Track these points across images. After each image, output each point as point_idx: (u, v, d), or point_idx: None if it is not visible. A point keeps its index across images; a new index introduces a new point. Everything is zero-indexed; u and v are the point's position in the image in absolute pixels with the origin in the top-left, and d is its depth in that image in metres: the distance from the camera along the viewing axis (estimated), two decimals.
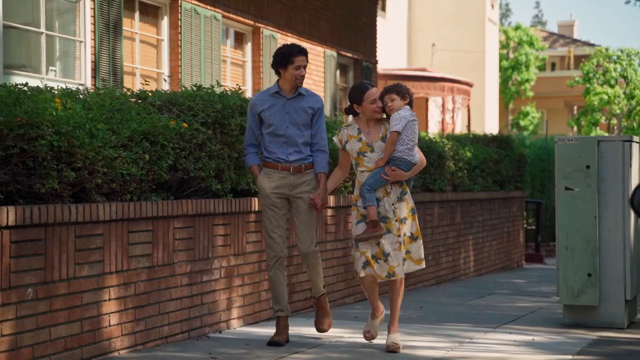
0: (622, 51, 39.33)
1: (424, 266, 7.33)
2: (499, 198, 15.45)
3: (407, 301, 10.45)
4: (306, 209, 7.36)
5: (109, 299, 6.51)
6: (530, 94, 42.83)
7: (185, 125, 7.29)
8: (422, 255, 7.25)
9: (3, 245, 5.57)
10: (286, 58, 7.27)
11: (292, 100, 7.35)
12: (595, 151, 8.51)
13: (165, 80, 11.14)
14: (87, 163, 6.19)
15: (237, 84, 12.17)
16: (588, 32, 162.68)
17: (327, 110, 15.81)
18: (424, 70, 28.49)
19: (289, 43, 7.51)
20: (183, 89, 8.12)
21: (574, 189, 8.53)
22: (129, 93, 7.74)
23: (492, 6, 38.02)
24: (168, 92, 8.00)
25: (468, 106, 27.41)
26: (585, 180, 8.51)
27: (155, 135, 6.93)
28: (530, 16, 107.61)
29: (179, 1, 12.11)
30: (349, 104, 7.41)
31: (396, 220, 7.08)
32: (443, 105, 26.16)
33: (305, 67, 7.34)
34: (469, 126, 27.50)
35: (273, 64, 7.39)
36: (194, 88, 8.08)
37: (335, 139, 7.38)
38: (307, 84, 14.58)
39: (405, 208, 7.15)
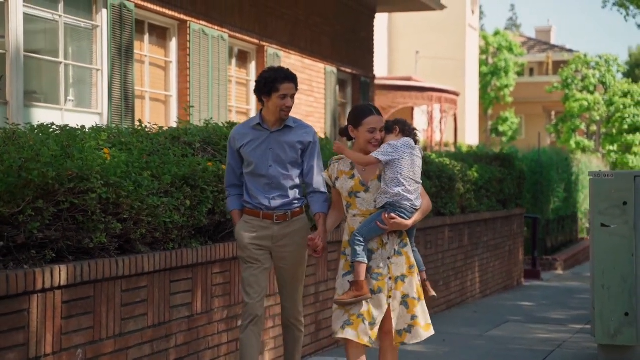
0: (600, 57, 39.50)
1: (433, 332, 6.04)
2: (501, 217, 15.33)
3: None
4: (291, 265, 6.32)
5: (152, 353, 6.26)
6: (510, 99, 42.87)
7: (224, 167, 7.03)
8: (429, 319, 6.03)
9: (55, 306, 5.31)
10: (269, 85, 6.11)
11: (277, 134, 6.21)
12: (633, 187, 8.33)
13: (185, 111, 10.88)
14: (132, 213, 5.95)
15: None
16: (564, 37, 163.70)
17: (327, 128, 15.59)
18: (409, 79, 28.37)
19: (275, 67, 6.33)
20: (215, 124, 7.85)
21: (610, 225, 8.36)
22: (160, 129, 7.47)
23: (473, 12, 38.00)
24: (200, 127, 7.74)
25: (455, 115, 27.30)
26: (622, 216, 8.33)
27: (195, 179, 6.69)
28: (504, 19, 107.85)
29: (188, 22, 11.84)
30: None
31: (390, 279, 5.89)
32: (431, 115, 26.02)
33: (293, 96, 6.17)
34: (455, 136, 27.39)
35: (256, 90, 6.23)
36: (225, 125, 7.83)
37: (324, 174, 6.20)
38: (309, 102, 14.37)
39: (404, 264, 5.92)
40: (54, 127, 6.12)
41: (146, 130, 7.24)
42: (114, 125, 7.56)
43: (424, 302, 5.98)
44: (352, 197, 5.98)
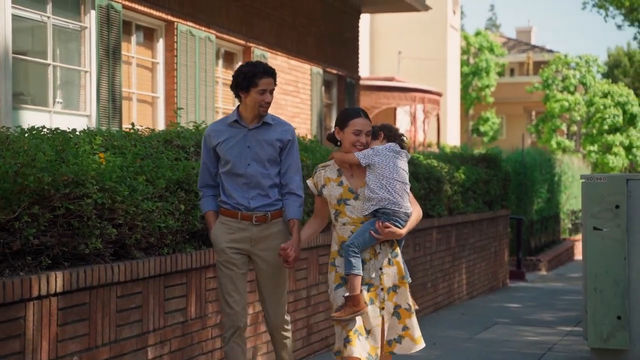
0: (580, 58, 39.63)
1: (424, 345, 5.82)
2: (487, 218, 15.32)
3: None
4: (272, 270, 6.05)
5: None
6: (491, 99, 42.93)
7: None
8: (420, 332, 5.81)
9: (51, 313, 5.24)
10: (248, 80, 5.86)
11: (255, 131, 5.97)
12: (625, 190, 8.31)
13: (174, 113, 10.79)
14: (127, 218, 5.88)
15: None
16: (544, 37, 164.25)
17: (313, 129, 15.54)
18: (392, 79, 28.34)
19: (253, 61, 6.09)
20: (207, 126, 7.77)
21: (602, 229, 8.34)
22: (152, 132, 7.40)
23: (454, 12, 38.03)
24: (193, 130, 7.68)
25: (437, 116, 27.31)
26: (614, 220, 8.31)
27: (189, 183, 6.62)
28: (484, 19, 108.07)
29: (175, 23, 11.76)
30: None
31: (382, 290, 5.69)
32: (415, 115, 26.01)
33: (272, 91, 5.94)
34: (438, 136, 27.40)
35: (232, 85, 5.97)
36: None
37: (309, 182, 5.88)
38: (295, 103, 14.32)
39: (396, 274, 5.72)
40: (45, 130, 6.05)
41: (138, 133, 7.16)
42: (104, 128, 7.46)
43: (414, 313, 5.80)
44: (341, 205, 5.73)
